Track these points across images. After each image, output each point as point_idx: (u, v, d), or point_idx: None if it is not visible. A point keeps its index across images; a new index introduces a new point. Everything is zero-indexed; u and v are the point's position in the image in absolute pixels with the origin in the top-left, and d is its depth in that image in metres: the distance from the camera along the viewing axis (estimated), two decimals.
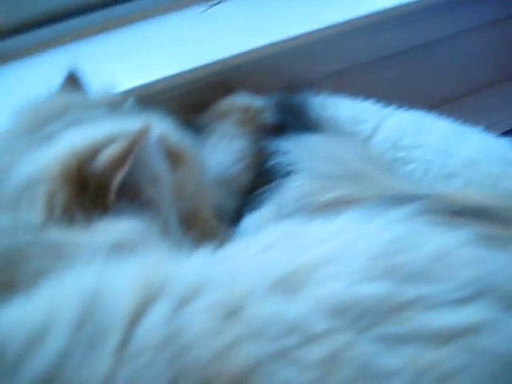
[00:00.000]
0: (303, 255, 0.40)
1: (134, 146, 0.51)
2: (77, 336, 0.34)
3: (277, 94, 0.88)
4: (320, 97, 0.87)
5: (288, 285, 0.38)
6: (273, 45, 0.94)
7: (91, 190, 0.52)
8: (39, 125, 0.61)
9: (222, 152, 0.83)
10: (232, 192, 0.79)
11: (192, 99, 0.89)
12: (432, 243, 0.41)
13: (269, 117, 0.85)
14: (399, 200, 0.62)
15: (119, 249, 0.47)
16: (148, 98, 0.77)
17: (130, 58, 0.93)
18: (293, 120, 0.83)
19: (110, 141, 0.54)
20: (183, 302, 0.36)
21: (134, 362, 0.33)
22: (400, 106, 0.88)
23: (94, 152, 0.53)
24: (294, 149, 0.73)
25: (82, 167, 0.52)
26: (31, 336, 0.34)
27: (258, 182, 0.79)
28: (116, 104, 0.67)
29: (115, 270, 0.39)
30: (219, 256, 0.42)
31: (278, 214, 0.65)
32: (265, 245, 0.42)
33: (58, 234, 0.48)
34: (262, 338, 0.35)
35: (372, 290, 0.37)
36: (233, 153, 0.83)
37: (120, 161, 0.51)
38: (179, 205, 0.58)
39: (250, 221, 0.68)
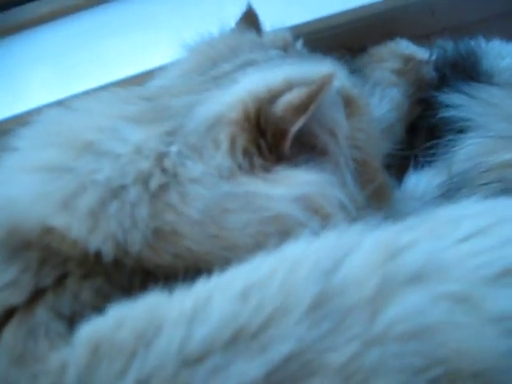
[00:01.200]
0: None
1: (317, 94, 0.49)
2: (315, 316, 0.33)
3: (443, 41, 0.82)
4: (494, 44, 0.80)
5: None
6: None
7: (268, 136, 0.50)
8: (212, 63, 0.60)
9: (377, 98, 0.79)
10: (384, 141, 0.75)
11: (350, 40, 0.85)
12: None
13: (430, 72, 0.80)
14: None
15: (304, 202, 0.45)
16: (308, 35, 0.73)
17: None
18: (461, 69, 0.77)
19: (289, 86, 0.51)
20: (416, 285, 0.35)
21: (379, 348, 0.32)
22: None
23: (272, 97, 0.51)
24: (469, 103, 0.68)
25: (261, 112, 0.50)
26: (269, 313, 0.34)
27: (417, 137, 0.75)
28: (286, 45, 0.65)
29: (347, 242, 0.38)
30: (427, 233, 0.40)
31: (449, 173, 0.61)
32: (474, 230, 0.40)
33: (248, 184, 0.46)
34: (500, 332, 0.33)
35: None
36: (388, 101, 0.79)
37: (301, 108, 0.49)
38: (351, 155, 0.55)
39: (418, 179, 0.65)
